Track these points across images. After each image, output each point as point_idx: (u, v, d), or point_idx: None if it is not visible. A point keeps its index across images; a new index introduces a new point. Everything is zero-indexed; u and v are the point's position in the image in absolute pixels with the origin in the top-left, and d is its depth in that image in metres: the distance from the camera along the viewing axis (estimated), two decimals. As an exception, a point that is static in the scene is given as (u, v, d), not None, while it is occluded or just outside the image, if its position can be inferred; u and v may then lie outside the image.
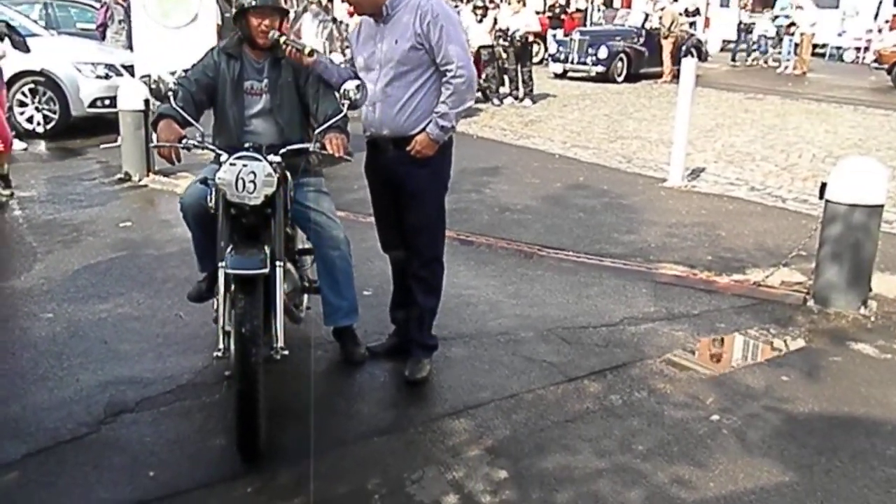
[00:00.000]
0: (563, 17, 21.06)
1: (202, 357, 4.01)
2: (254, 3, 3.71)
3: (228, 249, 3.23)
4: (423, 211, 3.89)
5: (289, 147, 3.60)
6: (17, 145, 8.66)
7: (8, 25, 7.70)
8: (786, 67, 20.96)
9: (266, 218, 3.44)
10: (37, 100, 9.45)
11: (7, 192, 6.80)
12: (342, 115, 3.63)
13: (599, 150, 10.05)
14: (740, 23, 23.76)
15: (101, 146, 8.91)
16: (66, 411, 3.57)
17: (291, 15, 8.33)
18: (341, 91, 3.60)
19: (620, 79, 17.37)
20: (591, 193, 7.74)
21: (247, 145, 3.56)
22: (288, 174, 3.64)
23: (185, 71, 3.92)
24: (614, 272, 5.56)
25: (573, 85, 16.72)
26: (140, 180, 7.37)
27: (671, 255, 5.89)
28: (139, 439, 3.39)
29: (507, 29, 13.40)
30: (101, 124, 9.58)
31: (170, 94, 3.45)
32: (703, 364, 4.33)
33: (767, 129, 11.70)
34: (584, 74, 17.50)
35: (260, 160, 3.31)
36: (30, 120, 9.52)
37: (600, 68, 17.12)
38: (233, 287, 3.17)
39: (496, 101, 13.41)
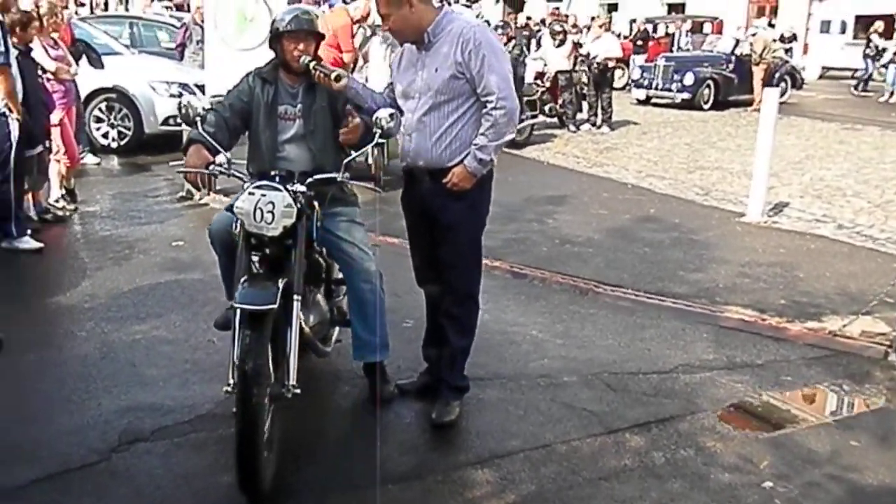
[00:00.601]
0: (648, 42, 20.58)
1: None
2: (289, 28, 3.59)
3: (242, 281, 3.08)
4: (457, 246, 3.67)
5: (316, 177, 3.45)
6: (91, 160, 8.87)
7: (85, 44, 7.90)
8: (890, 94, 19.84)
9: (287, 249, 3.29)
10: (112, 116, 9.66)
11: (72, 206, 6.91)
12: (372, 144, 3.46)
13: (676, 180, 9.64)
14: (867, 46, 22.10)
15: (170, 164, 9.03)
16: (81, 436, 3.47)
17: (358, 38, 8.28)
18: (373, 119, 3.43)
19: (707, 106, 16.80)
20: (660, 227, 7.37)
21: (273, 173, 3.44)
22: (316, 203, 3.51)
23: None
24: (675, 314, 5.21)
25: (656, 112, 16.25)
26: (201, 199, 7.39)
27: (740, 298, 5.50)
28: (148, 471, 3.26)
29: (588, 54, 13.12)
30: (174, 142, 9.68)
31: (198, 119, 3.36)
32: (761, 421, 3.96)
33: (863, 163, 11.03)
34: (668, 101, 17.00)
35: (280, 190, 3.17)
36: (105, 136, 9.73)
37: (686, 95, 16.61)
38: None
39: (572, 128, 13.11)
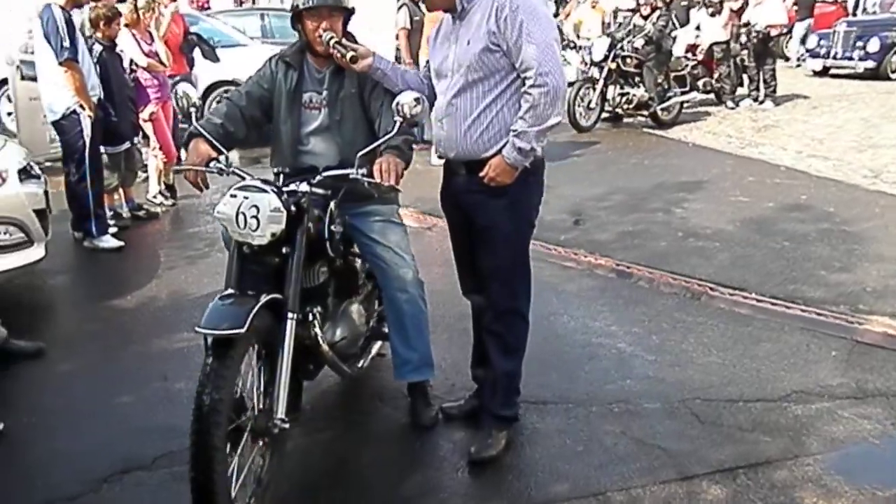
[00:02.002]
0: (818, 4, 18.39)
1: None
2: (308, 4, 3.16)
3: (217, 298, 2.69)
4: (496, 251, 3.12)
5: (326, 174, 3.02)
6: None
7: (199, 37, 7.90)
8: None
9: (285, 258, 2.87)
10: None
11: (170, 202, 6.87)
12: (391, 134, 2.97)
13: (841, 161, 8.43)
14: None
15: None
16: (84, 462, 3.21)
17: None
18: (394, 105, 2.94)
19: (895, 76, 14.89)
20: (808, 217, 6.38)
21: (276, 170, 3.05)
22: (333, 204, 3.08)
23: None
24: (802, 324, 4.37)
25: (833, 84, 14.55)
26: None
27: (890, 306, 4.55)
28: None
29: (748, 22, 11.88)
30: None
31: (192, 110, 3.01)
32: (887, 473, 3.13)
33: None
34: (849, 71, 15.22)
35: (266, 192, 2.75)
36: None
37: (869, 63, 14.75)
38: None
39: (730, 104, 11.93)
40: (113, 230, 5.85)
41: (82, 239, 5.70)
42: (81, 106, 5.27)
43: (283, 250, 2.85)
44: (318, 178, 2.99)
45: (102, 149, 5.70)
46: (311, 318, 3.10)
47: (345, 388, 3.73)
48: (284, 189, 2.88)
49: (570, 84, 11.58)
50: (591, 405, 3.58)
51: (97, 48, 5.74)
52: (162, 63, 6.48)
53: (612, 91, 10.47)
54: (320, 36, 3.14)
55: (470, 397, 3.52)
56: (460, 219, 3.24)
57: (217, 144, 3.03)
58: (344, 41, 3.16)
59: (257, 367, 2.77)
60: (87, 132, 5.33)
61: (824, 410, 3.49)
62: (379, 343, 3.66)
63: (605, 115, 10.61)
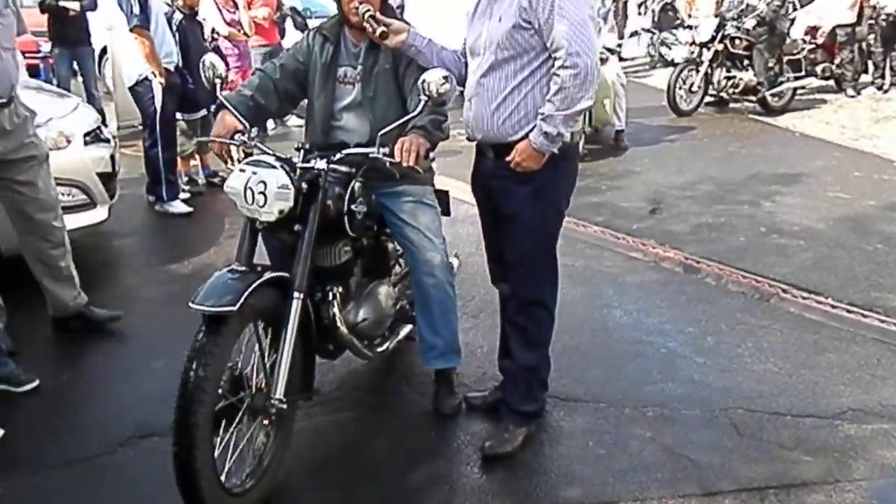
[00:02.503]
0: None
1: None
2: (344, -27, 3.08)
3: (217, 274, 2.65)
4: (519, 241, 2.98)
5: (346, 151, 2.95)
6: (295, 122, 8.83)
7: (294, 9, 7.96)
8: None
9: (297, 236, 2.82)
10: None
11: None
12: (415, 113, 2.87)
13: (965, 160, 7.75)
14: None
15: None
16: (106, 423, 3.30)
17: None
18: (420, 83, 2.84)
19: None
20: (912, 218, 5.88)
21: (296, 146, 2.99)
22: (357, 184, 3.00)
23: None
24: (877, 335, 4.01)
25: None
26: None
27: (984, 320, 4.14)
28: (137, 471, 2.99)
29: (877, 5, 11.04)
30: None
31: (217, 81, 2.98)
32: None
33: None
34: None
35: (275, 167, 2.70)
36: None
37: None
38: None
39: (851, 92, 11.13)
40: (185, 196, 5.98)
41: (154, 203, 5.86)
42: (154, 73, 5.39)
43: (296, 228, 2.80)
44: (339, 155, 2.92)
45: (179, 115, 5.83)
46: (330, 297, 3.07)
47: (373, 369, 3.68)
48: (301, 165, 2.83)
49: (673, 65, 11.13)
50: (624, 406, 3.40)
51: (178, 16, 5.85)
52: (245, 33, 6.55)
53: (718, 74, 9.95)
54: (356, 8, 3.05)
55: (495, 388, 3.40)
56: (489, 204, 3.10)
57: (239, 117, 3.00)
58: (378, 15, 3.06)
59: (263, 345, 2.73)
60: (158, 99, 5.45)
61: (880, 432, 3.19)
62: (409, 327, 3.57)
63: (709, 98, 10.11)
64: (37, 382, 3.50)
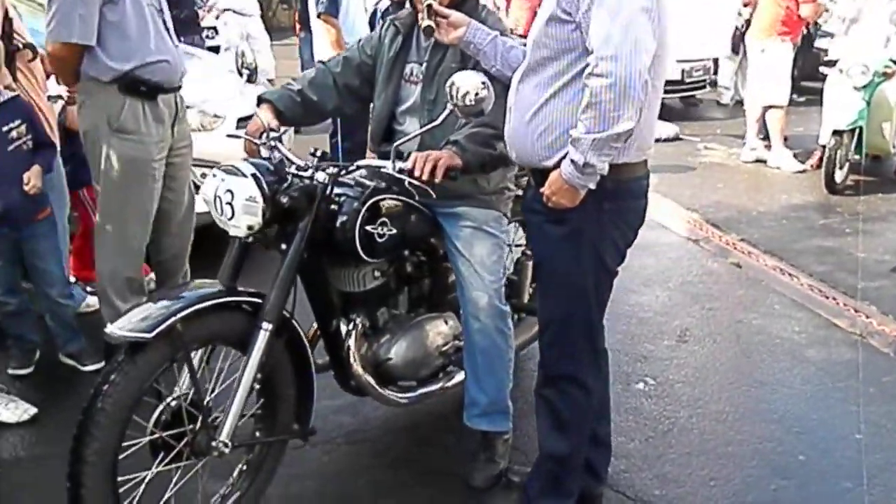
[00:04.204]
0: None
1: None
2: (411, -44, 2.65)
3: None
4: (550, 295, 2.35)
5: (358, 163, 2.53)
6: None
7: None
8: None
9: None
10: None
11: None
12: (434, 123, 2.39)
13: None
14: None
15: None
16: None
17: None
18: (447, 86, 2.34)
19: None
20: None
21: (310, 151, 2.59)
22: (381, 200, 2.56)
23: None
24: None
25: None
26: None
27: None
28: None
29: None
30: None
31: (245, 71, 2.69)
32: None
33: None
34: None
35: (245, 176, 2.32)
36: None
37: None
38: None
39: None
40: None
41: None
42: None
43: (282, 247, 2.44)
44: (350, 167, 2.51)
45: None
46: (350, 326, 2.67)
47: (420, 410, 3.15)
48: (295, 174, 2.45)
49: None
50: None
51: (384, 3, 5.65)
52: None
53: None
54: (421, -3, 2.60)
55: (541, 466, 2.76)
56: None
57: (263, 118, 2.68)
58: (438, 7, 2.58)
59: (199, 376, 2.35)
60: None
61: None
62: (461, 375, 2.98)
63: None
64: (102, 364, 3.49)
